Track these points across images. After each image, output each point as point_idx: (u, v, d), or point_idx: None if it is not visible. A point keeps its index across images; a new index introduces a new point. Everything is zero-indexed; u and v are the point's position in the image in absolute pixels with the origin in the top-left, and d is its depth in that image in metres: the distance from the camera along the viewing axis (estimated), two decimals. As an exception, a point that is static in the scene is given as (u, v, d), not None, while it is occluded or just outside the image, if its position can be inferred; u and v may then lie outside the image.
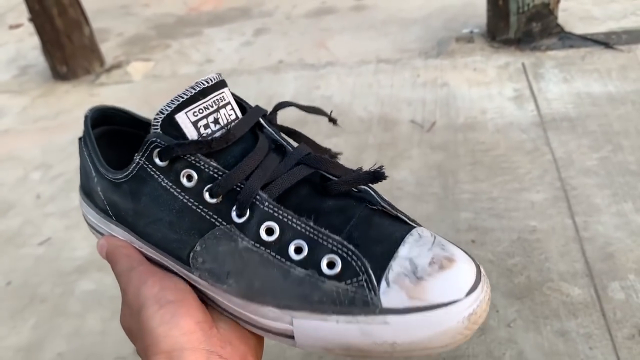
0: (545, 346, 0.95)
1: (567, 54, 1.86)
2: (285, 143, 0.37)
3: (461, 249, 0.34)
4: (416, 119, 1.64)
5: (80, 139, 0.43)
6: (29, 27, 2.50)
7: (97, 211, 0.41)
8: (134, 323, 0.34)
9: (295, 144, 0.37)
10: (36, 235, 1.42)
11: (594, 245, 1.12)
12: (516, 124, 1.54)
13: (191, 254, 0.35)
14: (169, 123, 0.34)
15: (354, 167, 0.37)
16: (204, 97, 0.35)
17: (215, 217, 0.34)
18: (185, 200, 0.34)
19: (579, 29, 2.00)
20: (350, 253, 0.32)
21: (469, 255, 0.33)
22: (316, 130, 1.64)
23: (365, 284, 0.31)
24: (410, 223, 0.35)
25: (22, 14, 2.66)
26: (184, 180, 0.34)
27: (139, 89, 2.14)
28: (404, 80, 1.87)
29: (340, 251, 0.32)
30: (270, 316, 0.33)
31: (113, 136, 0.46)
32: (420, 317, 0.29)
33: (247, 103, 0.39)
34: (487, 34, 2.06)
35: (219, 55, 2.34)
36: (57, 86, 2.27)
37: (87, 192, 0.43)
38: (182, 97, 0.34)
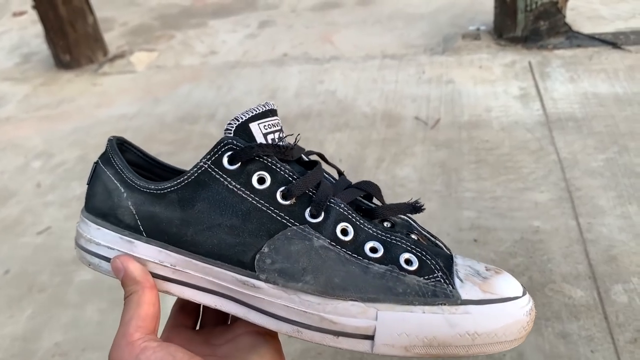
0: (546, 348, 0.94)
1: (574, 54, 1.85)
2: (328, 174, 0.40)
3: None
4: (420, 115, 1.63)
5: (96, 162, 0.42)
6: (33, 15, 2.49)
7: (119, 230, 0.39)
8: None
9: None
10: (36, 224, 1.41)
11: (598, 247, 1.11)
12: (521, 123, 1.52)
13: (257, 256, 0.34)
14: (243, 130, 0.36)
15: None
16: (272, 116, 0.37)
17: (287, 218, 0.35)
18: (254, 202, 0.35)
19: (586, 28, 1.98)
20: (424, 253, 0.34)
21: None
22: (319, 125, 1.63)
23: (442, 280, 0.33)
24: (446, 249, 0.38)
25: (26, 2, 2.65)
26: (255, 183, 0.35)
27: (142, 79, 2.13)
28: (409, 77, 1.85)
29: (415, 251, 0.34)
30: (352, 312, 0.33)
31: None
32: (495, 307, 0.32)
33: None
34: (494, 32, 2.05)
35: (223, 47, 2.32)
36: (60, 75, 2.26)
37: (104, 213, 0.40)
38: (256, 110, 0.37)
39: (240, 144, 0.35)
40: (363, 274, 0.33)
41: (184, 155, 1.58)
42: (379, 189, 0.40)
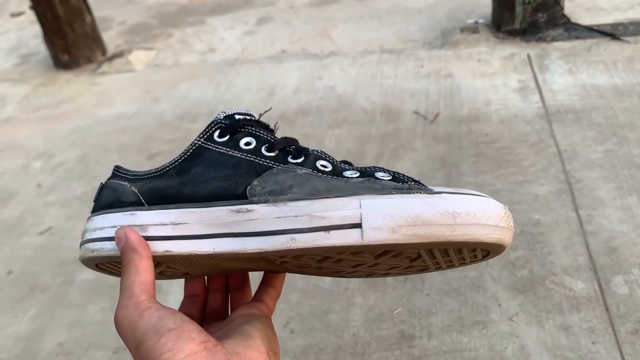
0: (547, 340, 0.94)
1: (572, 45, 1.84)
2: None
3: None
4: (420, 110, 1.62)
5: (102, 183, 0.45)
6: (31, 15, 2.49)
7: (122, 209, 0.41)
8: (137, 356, 0.33)
9: None
10: (37, 224, 1.41)
11: (598, 239, 1.11)
12: (521, 116, 1.52)
13: (248, 187, 0.38)
14: (230, 118, 0.41)
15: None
16: (253, 117, 0.43)
17: (273, 162, 0.39)
18: (243, 156, 0.39)
19: (585, 20, 1.98)
20: (394, 172, 0.38)
21: None
22: (319, 121, 1.63)
23: (414, 184, 0.36)
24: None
25: (24, 2, 2.64)
26: (243, 145, 0.40)
27: (140, 78, 2.13)
28: (408, 71, 1.85)
29: (389, 172, 0.38)
30: (337, 205, 0.35)
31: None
32: (468, 196, 0.35)
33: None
34: (492, 25, 2.04)
35: (221, 44, 2.32)
36: (59, 75, 2.26)
37: (108, 204, 0.43)
38: (241, 109, 0.42)
39: (226, 121, 0.41)
40: (344, 182, 0.37)
41: (184, 153, 1.58)
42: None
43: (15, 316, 1.16)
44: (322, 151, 0.40)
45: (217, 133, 0.41)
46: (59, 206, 1.47)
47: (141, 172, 0.43)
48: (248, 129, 0.41)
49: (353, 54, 2.03)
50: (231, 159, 0.39)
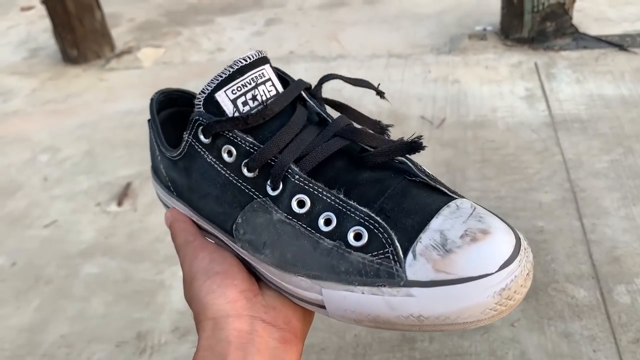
0: (548, 347, 0.94)
1: (580, 55, 1.85)
2: (327, 116, 0.37)
3: (503, 220, 0.32)
4: (426, 115, 1.63)
5: (148, 120, 0.45)
6: (41, 10, 2.50)
7: (162, 187, 0.44)
8: (188, 293, 0.37)
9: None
10: (42, 217, 1.42)
11: (601, 248, 1.11)
12: (527, 124, 1.53)
13: (234, 226, 0.36)
14: (210, 102, 0.36)
15: None
16: (242, 75, 0.36)
17: (253, 190, 0.35)
18: (227, 175, 0.36)
19: (593, 30, 1.98)
20: (377, 225, 0.31)
21: (510, 227, 0.31)
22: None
23: (391, 256, 0.30)
24: (451, 194, 0.34)
25: (35, -4, 2.66)
26: (225, 156, 0.36)
27: (148, 75, 2.14)
28: (415, 76, 1.86)
29: (367, 223, 0.32)
30: (302, 286, 0.33)
31: (179, 117, 0.47)
32: (445, 290, 0.28)
33: (291, 78, 0.39)
34: (501, 32, 2.05)
35: (229, 44, 2.33)
36: (67, 69, 2.27)
37: (155, 170, 0.45)
38: (221, 77, 0.36)
39: (204, 120, 0.36)
40: (312, 250, 0.33)
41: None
42: (385, 127, 0.38)
43: (18, 307, 1.17)
44: (302, 176, 0.34)
45: (200, 132, 0.37)
46: (64, 200, 1.48)
47: (163, 148, 0.41)
48: (226, 134, 0.35)
49: (361, 58, 2.04)
50: (218, 175, 0.36)
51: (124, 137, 1.72)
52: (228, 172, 0.36)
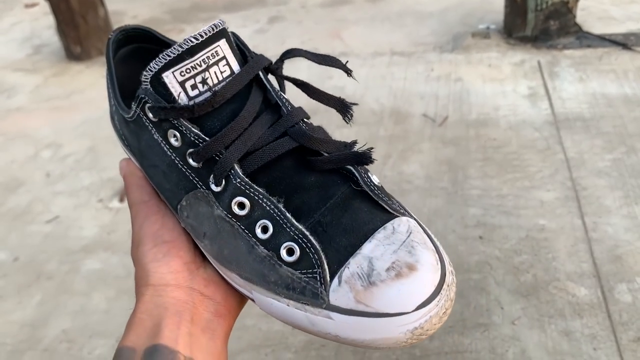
0: (549, 345, 0.94)
1: (584, 54, 1.84)
2: (283, 101, 0.36)
3: (438, 251, 0.32)
4: (428, 112, 1.63)
5: (108, 40, 0.43)
6: (45, 6, 2.51)
7: (118, 136, 0.42)
8: (134, 254, 0.37)
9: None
10: (45, 213, 1.43)
11: (603, 246, 1.11)
12: (529, 122, 1.52)
13: (178, 206, 0.36)
14: (157, 82, 0.33)
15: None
16: (191, 56, 0.33)
17: (197, 179, 0.34)
18: (173, 158, 0.35)
19: (597, 29, 1.98)
20: (309, 245, 0.31)
21: (441, 260, 0.31)
22: (328, 121, 1.62)
23: (318, 277, 0.31)
24: (392, 212, 0.33)
25: (38, -7, 2.67)
26: (172, 139, 0.35)
27: (151, 72, 2.14)
28: (418, 74, 1.86)
29: (300, 241, 0.31)
30: (236, 281, 0.35)
31: (142, 53, 0.44)
32: (362, 321, 0.29)
33: (251, 53, 0.37)
34: (504, 31, 2.05)
35: (232, 41, 2.33)
36: (71, 66, 2.27)
37: (111, 116, 0.43)
38: (169, 56, 0.33)
39: (150, 100, 0.34)
40: (247, 253, 0.33)
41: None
42: (348, 105, 0.37)
43: (20, 302, 1.17)
44: (244, 180, 0.33)
45: (149, 111, 0.35)
46: (66, 196, 1.48)
47: (119, 104, 0.39)
48: (172, 121, 0.34)
49: (363, 55, 2.04)
50: (164, 155, 0.35)
51: (126, 134, 1.72)
52: (174, 155, 0.35)
